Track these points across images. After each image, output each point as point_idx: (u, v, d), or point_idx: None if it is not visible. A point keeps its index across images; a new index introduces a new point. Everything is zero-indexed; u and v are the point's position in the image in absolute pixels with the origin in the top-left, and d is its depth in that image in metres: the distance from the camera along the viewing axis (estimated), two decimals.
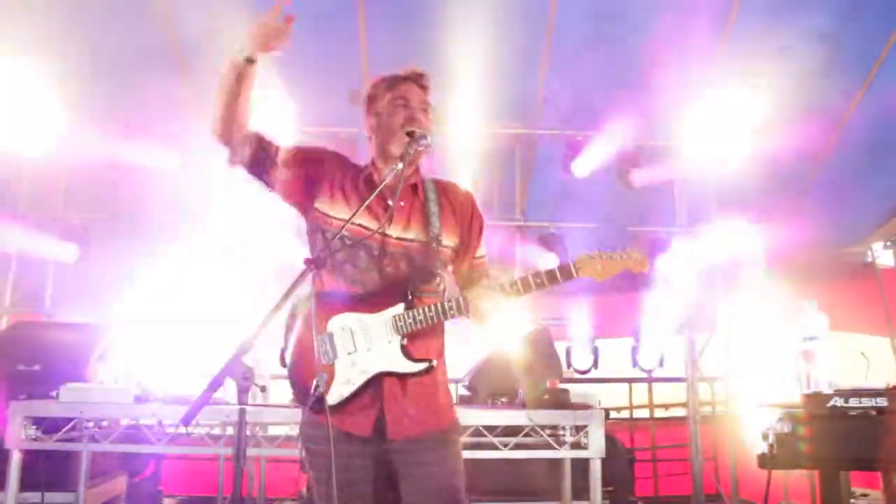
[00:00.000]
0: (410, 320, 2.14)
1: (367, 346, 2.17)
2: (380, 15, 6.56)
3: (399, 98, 2.26)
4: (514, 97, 6.59)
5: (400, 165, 2.16)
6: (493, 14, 6.15)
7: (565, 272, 2.15)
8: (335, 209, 2.23)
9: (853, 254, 7.60)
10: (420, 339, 2.19)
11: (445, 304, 2.15)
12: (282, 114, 6.24)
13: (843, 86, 6.78)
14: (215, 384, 1.94)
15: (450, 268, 2.36)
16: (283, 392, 4.63)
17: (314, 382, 2.13)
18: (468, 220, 2.34)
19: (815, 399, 3.46)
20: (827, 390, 3.51)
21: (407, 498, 2.17)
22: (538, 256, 6.79)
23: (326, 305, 2.20)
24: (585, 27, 6.44)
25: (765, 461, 3.40)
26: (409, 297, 2.17)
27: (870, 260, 7.36)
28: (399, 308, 2.16)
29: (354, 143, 6.57)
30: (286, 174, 2.26)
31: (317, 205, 2.26)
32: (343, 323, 2.18)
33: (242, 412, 2.02)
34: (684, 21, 6.17)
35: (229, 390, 2.01)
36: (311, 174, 2.28)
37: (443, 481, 2.16)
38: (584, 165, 6.68)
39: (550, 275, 2.15)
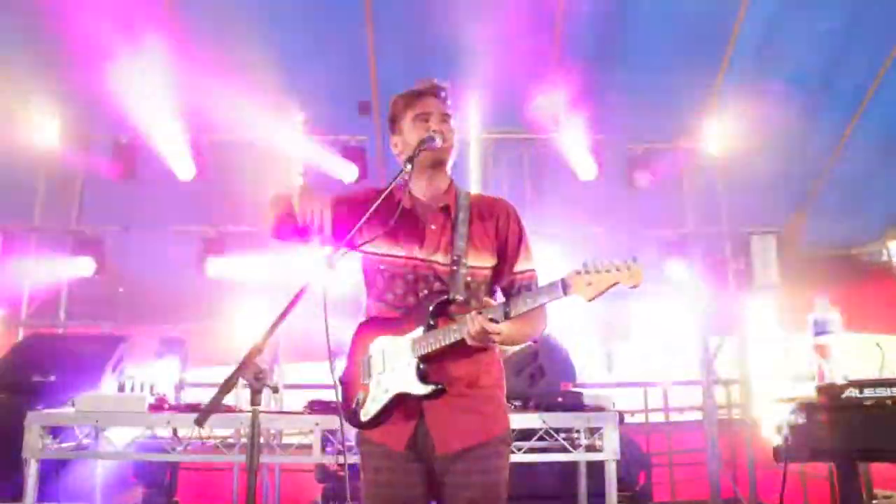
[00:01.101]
0: (426, 343, 2.17)
1: (392, 367, 2.22)
2: (388, 25, 6.62)
3: (420, 115, 2.28)
4: (523, 102, 6.61)
5: (409, 167, 2.19)
6: (501, 21, 6.19)
7: (553, 293, 2.01)
8: (379, 247, 2.27)
9: (868, 253, 7.54)
10: (441, 361, 2.18)
11: (451, 328, 2.13)
12: (293, 123, 6.31)
13: (854, 82, 6.75)
14: (228, 385, 1.95)
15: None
16: (297, 401, 4.64)
17: (354, 400, 2.27)
18: (504, 236, 2.30)
19: (830, 390, 3.41)
20: (842, 382, 3.46)
21: None
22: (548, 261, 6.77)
23: (371, 329, 2.30)
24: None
25: (780, 454, 3.36)
26: (429, 320, 2.19)
27: (885, 259, 7.29)
28: (419, 331, 2.19)
29: (363, 151, 6.64)
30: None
31: (364, 248, 2.28)
32: (379, 345, 2.26)
33: (255, 414, 2.02)
34: (690, 25, 6.20)
35: (243, 399, 2.03)
36: (346, 227, 2.27)
37: (477, 492, 2.17)
38: (591, 169, 6.69)
39: (542, 294, 2.04)
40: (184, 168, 6.47)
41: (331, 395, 4.12)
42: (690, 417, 7.66)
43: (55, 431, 3.80)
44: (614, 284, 1.94)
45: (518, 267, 2.30)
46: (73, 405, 3.88)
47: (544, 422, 4.14)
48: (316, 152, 6.45)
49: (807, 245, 7.28)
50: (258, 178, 6.80)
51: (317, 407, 4.11)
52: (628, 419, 7.03)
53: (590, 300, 1.95)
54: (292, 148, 6.51)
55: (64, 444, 3.84)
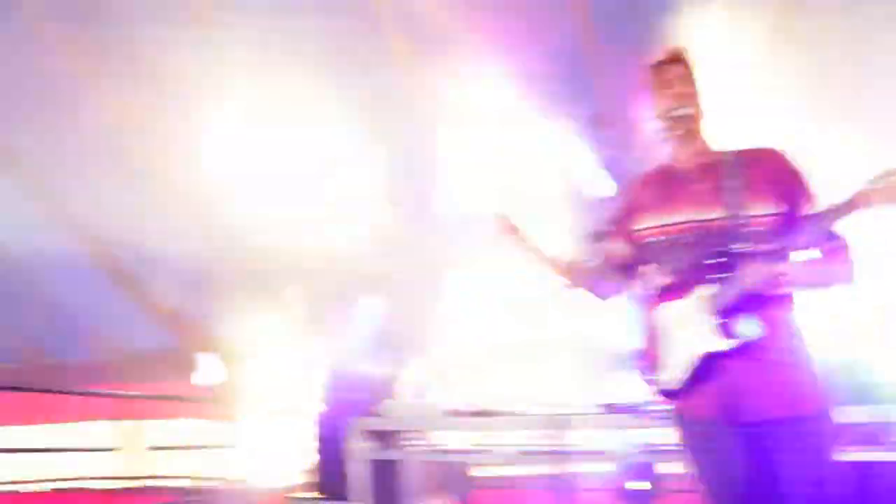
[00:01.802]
0: (714, 299, 2.13)
1: (685, 330, 2.20)
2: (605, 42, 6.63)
3: (662, 81, 2.30)
4: None
5: (659, 134, 2.26)
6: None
7: (841, 209, 1.96)
8: (654, 220, 2.32)
9: None
10: (739, 314, 2.11)
11: (737, 276, 2.07)
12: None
13: None
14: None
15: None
16: None
17: (656, 372, 2.29)
18: (781, 179, 2.19)
19: None
20: None
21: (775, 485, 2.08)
22: None
23: (656, 300, 2.32)
24: None
25: None
26: (714, 275, 2.14)
27: None
28: (705, 288, 2.15)
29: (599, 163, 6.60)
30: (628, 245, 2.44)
31: (637, 230, 2.37)
32: (667, 312, 2.27)
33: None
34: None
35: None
36: (633, 223, 2.39)
37: (793, 472, 2.04)
38: None
39: (831, 212, 1.99)
40: None
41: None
42: None
43: (374, 436, 4.35)
44: None
45: (804, 211, 2.14)
46: (379, 413, 4.44)
47: (870, 416, 3.54)
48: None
49: None
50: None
51: (614, 407, 3.94)
52: None
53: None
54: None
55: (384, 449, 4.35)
